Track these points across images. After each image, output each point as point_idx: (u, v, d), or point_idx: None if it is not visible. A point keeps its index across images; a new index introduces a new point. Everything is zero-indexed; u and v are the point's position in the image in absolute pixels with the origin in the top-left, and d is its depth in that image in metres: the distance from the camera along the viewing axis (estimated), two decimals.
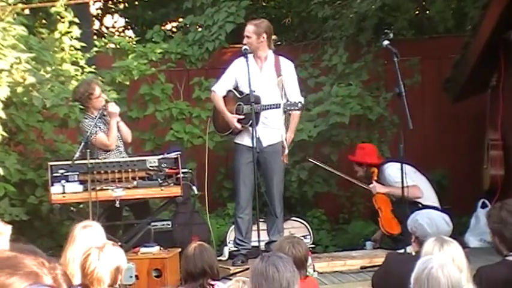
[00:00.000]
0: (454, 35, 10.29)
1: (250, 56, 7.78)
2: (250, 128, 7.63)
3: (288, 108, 7.70)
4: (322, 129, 9.10)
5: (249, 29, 7.85)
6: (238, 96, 7.88)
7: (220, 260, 7.58)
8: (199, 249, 5.09)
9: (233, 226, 8.22)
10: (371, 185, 8.53)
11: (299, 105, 7.71)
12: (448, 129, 8.52)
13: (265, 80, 7.79)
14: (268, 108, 7.71)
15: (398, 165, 7.48)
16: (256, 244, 7.74)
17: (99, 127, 7.76)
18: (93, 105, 7.80)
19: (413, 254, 4.88)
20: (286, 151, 7.90)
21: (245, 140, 7.82)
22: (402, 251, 7.49)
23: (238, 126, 7.77)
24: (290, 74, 7.92)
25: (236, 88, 7.93)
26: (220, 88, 7.97)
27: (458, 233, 8.19)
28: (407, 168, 7.71)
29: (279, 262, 3.59)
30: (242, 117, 7.79)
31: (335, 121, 9.05)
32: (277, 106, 7.71)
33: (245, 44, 7.77)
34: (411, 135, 8.00)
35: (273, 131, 7.82)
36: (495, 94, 8.98)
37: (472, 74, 8.97)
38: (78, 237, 4.70)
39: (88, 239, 4.64)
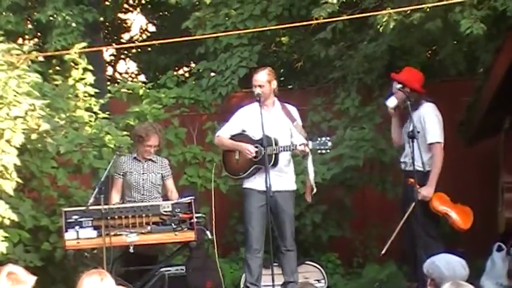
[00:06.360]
0: (465, 78, 10.30)
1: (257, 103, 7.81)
2: (262, 173, 7.62)
3: (318, 147, 7.70)
4: (335, 171, 9.09)
5: (262, 78, 7.83)
6: (254, 139, 7.86)
7: None
8: None
9: None
10: (419, 196, 7.71)
11: (329, 144, 7.72)
12: (460, 171, 8.48)
13: (277, 124, 7.80)
14: (293, 149, 7.68)
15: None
16: None
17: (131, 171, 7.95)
18: (139, 150, 8.01)
19: None
20: (315, 190, 7.88)
21: (255, 184, 7.79)
22: None
23: (253, 150, 7.69)
24: (299, 118, 7.96)
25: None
26: (225, 133, 7.95)
27: (473, 277, 8.14)
28: None
29: None
30: (256, 152, 7.73)
31: (349, 164, 9.04)
32: (305, 145, 7.66)
33: (258, 92, 7.76)
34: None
35: (284, 176, 7.79)
36: (509, 137, 8.96)
37: (485, 117, 8.96)
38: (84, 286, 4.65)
39: None
